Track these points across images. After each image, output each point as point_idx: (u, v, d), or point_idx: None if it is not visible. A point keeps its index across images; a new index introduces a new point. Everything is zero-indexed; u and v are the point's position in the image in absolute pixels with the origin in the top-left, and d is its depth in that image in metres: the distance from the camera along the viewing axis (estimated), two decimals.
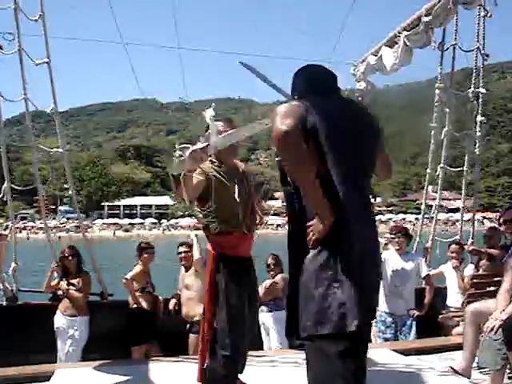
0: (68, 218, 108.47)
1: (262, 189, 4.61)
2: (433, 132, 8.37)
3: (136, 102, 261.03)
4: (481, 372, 5.93)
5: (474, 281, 7.25)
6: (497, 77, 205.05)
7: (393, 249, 7.97)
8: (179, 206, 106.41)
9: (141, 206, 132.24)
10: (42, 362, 6.56)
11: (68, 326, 7.52)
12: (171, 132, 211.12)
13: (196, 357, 6.61)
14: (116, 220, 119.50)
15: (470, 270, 8.29)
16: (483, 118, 8.44)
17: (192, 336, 7.39)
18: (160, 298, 8.08)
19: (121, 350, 7.41)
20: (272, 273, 7.91)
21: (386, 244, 8.01)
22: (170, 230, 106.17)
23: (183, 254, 7.84)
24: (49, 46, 7.45)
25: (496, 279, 6.59)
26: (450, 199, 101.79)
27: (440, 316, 7.56)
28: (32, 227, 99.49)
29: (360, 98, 7.79)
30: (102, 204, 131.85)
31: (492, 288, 6.62)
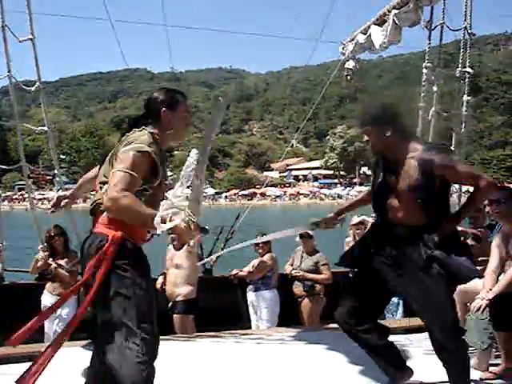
0: (66, 189, 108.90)
1: None
2: (420, 112, 8.35)
3: (127, 71, 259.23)
4: (468, 351, 5.96)
5: None
6: (490, 49, 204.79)
7: None
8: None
9: None
10: (29, 342, 6.55)
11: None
12: None
13: (182, 336, 6.71)
14: None
15: None
16: (470, 97, 8.40)
17: (175, 316, 7.41)
18: None
19: None
20: (260, 251, 7.91)
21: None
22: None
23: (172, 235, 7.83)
24: (33, 23, 7.35)
25: (482, 259, 6.61)
26: None
27: None
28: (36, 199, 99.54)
29: (349, 77, 7.75)
30: None
31: (478, 268, 6.64)
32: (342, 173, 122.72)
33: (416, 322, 7.24)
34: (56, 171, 8.39)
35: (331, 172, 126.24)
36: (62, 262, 7.66)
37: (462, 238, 8.40)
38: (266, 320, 7.68)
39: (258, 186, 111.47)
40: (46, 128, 7.81)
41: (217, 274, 8.55)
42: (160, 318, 7.31)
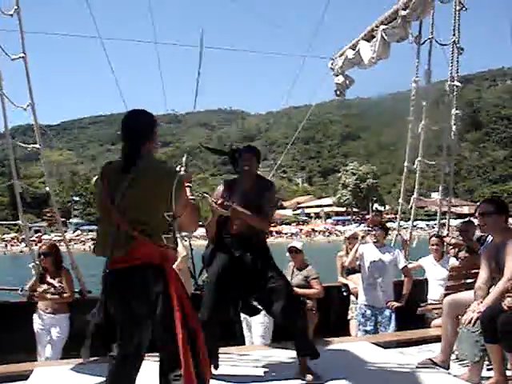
0: (82, 231, 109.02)
1: None
2: (410, 125, 8.41)
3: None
4: (460, 364, 5.96)
5: (453, 273, 7.27)
6: (488, 84, 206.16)
7: (371, 242, 8.01)
8: None
9: None
10: (21, 361, 6.51)
11: (49, 324, 7.49)
12: (165, 144, 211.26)
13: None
14: None
15: (452, 262, 8.32)
16: (458, 111, 8.47)
17: None
18: None
19: (101, 347, 7.35)
20: None
21: (363, 237, 8.04)
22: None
23: None
24: (24, 41, 7.42)
25: (474, 271, 6.61)
26: (456, 205, 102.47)
27: (419, 308, 7.57)
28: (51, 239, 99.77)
29: (338, 92, 7.81)
30: None
31: (470, 280, 6.64)
32: (354, 209, 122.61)
33: (407, 335, 7.28)
34: (48, 188, 8.30)
35: (343, 209, 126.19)
36: (53, 281, 7.63)
37: (456, 250, 8.50)
38: (260, 336, 7.61)
39: (272, 224, 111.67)
40: (37, 146, 7.81)
41: None
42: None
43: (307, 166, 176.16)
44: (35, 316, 7.57)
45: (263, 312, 7.61)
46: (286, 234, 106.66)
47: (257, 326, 7.63)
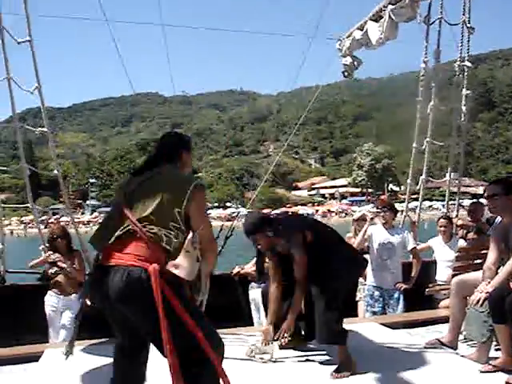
0: (99, 212, 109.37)
1: None
2: (419, 106, 8.35)
3: (138, 96, 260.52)
4: (467, 344, 5.96)
5: (461, 254, 7.26)
6: (501, 64, 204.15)
7: (379, 223, 8.01)
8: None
9: None
10: (33, 343, 6.57)
11: (62, 306, 7.56)
12: (176, 125, 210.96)
13: None
14: None
15: (460, 243, 8.30)
16: (469, 91, 8.40)
17: None
18: None
19: (111, 329, 7.40)
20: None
21: (372, 218, 8.03)
22: None
23: None
24: (30, 25, 7.42)
25: (482, 252, 6.61)
26: (471, 186, 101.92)
27: (427, 289, 7.56)
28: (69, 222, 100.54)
29: (346, 74, 7.78)
30: None
31: (479, 261, 6.64)
32: (369, 190, 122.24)
33: (416, 316, 7.29)
34: (56, 171, 8.30)
35: (358, 189, 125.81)
36: (64, 264, 7.69)
37: (464, 232, 8.47)
38: None
39: (288, 205, 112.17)
40: (45, 129, 7.84)
41: (218, 271, 8.54)
42: None
43: (319, 147, 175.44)
44: (47, 298, 7.62)
45: None
46: (301, 215, 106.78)
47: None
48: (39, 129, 7.87)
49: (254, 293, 7.79)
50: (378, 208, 8.08)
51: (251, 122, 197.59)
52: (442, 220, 8.45)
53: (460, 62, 8.21)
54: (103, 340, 6.46)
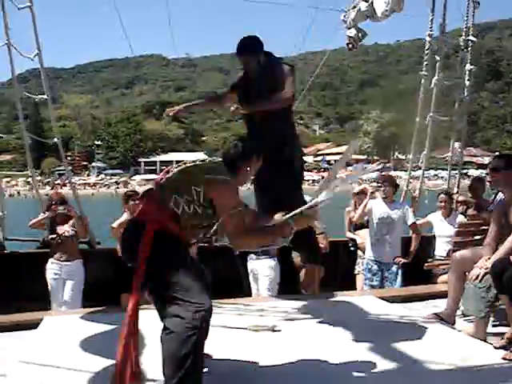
0: (105, 175, 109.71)
1: None
2: (423, 80, 8.29)
3: (142, 58, 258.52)
4: (465, 320, 5.97)
5: (461, 229, 7.25)
6: (509, 33, 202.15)
7: (379, 197, 8.00)
8: None
9: (176, 161, 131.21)
10: (33, 311, 6.60)
11: (65, 273, 7.58)
12: (180, 88, 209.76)
13: None
14: (154, 176, 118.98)
15: (460, 219, 8.30)
16: (473, 66, 8.32)
17: None
18: None
19: (110, 297, 7.45)
20: None
21: (372, 193, 8.03)
22: None
23: None
24: None
25: (482, 228, 6.61)
26: (477, 156, 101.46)
27: (426, 264, 7.58)
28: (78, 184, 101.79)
29: (351, 46, 7.68)
30: (139, 160, 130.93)
31: (478, 237, 6.64)
32: (375, 157, 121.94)
33: (413, 290, 7.32)
34: (56, 139, 8.26)
35: (363, 157, 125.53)
36: (64, 227, 7.70)
37: (465, 208, 8.48)
38: (266, 288, 7.69)
39: None
40: (45, 96, 7.80)
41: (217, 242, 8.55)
42: None
43: (324, 113, 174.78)
44: (48, 266, 7.63)
45: (269, 265, 7.74)
46: (307, 180, 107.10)
47: (263, 278, 7.71)
48: (39, 96, 7.82)
49: (253, 264, 7.82)
50: (378, 182, 8.07)
51: None
52: (441, 196, 8.45)
53: (465, 35, 8.12)
54: (102, 308, 6.52)
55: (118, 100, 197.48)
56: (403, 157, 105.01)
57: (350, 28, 7.71)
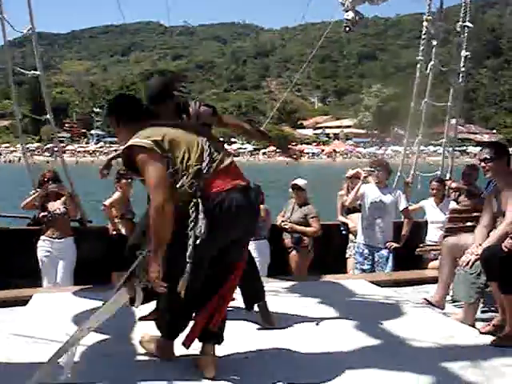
0: (104, 142, 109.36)
1: None
2: (418, 65, 8.25)
3: (139, 24, 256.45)
4: (455, 305, 6.02)
5: (453, 215, 7.27)
6: (510, 10, 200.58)
7: (372, 182, 7.99)
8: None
9: None
10: (25, 287, 6.60)
11: (56, 250, 7.54)
12: (177, 57, 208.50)
13: None
14: None
15: (452, 206, 8.32)
16: (468, 53, 8.30)
17: None
18: None
19: (101, 275, 7.45)
20: None
21: (365, 177, 8.01)
22: None
23: None
24: None
25: (474, 214, 6.63)
26: (476, 133, 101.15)
27: (417, 249, 7.61)
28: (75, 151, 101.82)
29: (348, 28, 7.62)
30: None
31: (470, 223, 6.67)
32: (375, 132, 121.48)
33: (404, 275, 7.36)
34: (48, 116, 8.18)
35: (362, 131, 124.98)
36: (56, 204, 7.67)
37: (457, 194, 8.49)
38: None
39: (293, 144, 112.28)
40: (38, 72, 7.71)
41: None
42: None
43: (322, 86, 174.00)
44: (40, 244, 7.54)
45: (259, 247, 7.75)
46: (307, 153, 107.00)
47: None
48: (32, 72, 7.74)
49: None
50: (371, 167, 8.05)
51: (254, 56, 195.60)
52: (434, 183, 8.46)
53: (461, 21, 8.07)
54: (92, 286, 6.54)
55: (114, 67, 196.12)
56: (402, 132, 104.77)
57: (347, 11, 7.64)
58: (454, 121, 9.72)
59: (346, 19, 7.64)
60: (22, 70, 7.77)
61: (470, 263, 5.13)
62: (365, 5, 7.51)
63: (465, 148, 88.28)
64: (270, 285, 6.46)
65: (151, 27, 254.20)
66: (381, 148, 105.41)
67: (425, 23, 7.78)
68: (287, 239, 8.10)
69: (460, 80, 8.44)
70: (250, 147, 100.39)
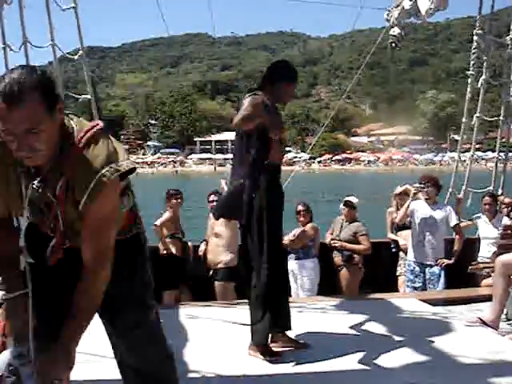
0: (161, 153, 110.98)
1: None
2: (469, 80, 8.14)
3: (187, 36, 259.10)
4: (509, 324, 5.90)
5: (506, 232, 7.14)
6: None
7: (422, 198, 7.90)
8: None
9: (231, 141, 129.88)
10: None
11: None
12: (226, 67, 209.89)
13: (223, 302, 6.80)
14: (209, 155, 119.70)
15: (505, 221, 8.17)
16: None
17: (217, 283, 7.54)
18: (189, 243, 8.18)
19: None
20: (302, 219, 7.94)
21: (415, 193, 7.93)
22: None
23: (214, 203, 7.83)
24: None
25: None
26: None
27: (470, 267, 7.49)
28: (135, 163, 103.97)
29: (394, 44, 7.59)
30: (194, 139, 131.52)
31: None
32: (430, 138, 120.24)
33: (456, 293, 7.24)
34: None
35: (418, 137, 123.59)
36: None
37: (509, 209, 8.33)
38: (306, 289, 7.73)
39: (348, 151, 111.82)
40: (88, 96, 7.83)
41: None
42: (202, 285, 7.53)
43: (372, 93, 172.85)
44: None
45: (309, 266, 7.78)
46: (363, 161, 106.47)
47: (303, 279, 7.75)
48: (82, 96, 7.88)
49: (292, 264, 7.81)
50: (420, 183, 7.96)
51: (302, 64, 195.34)
52: (486, 198, 8.35)
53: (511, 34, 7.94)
54: None
55: (164, 79, 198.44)
56: (459, 138, 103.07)
57: (393, 27, 7.62)
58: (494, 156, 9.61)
59: (392, 35, 7.62)
60: (73, 95, 7.92)
61: None
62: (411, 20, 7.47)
63: None
64: (321, 304, 6.49)
65: (199, 38, 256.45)
66: (438, 155, 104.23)
67: (475, 37, 7.68)
68: (337, 257, 8.08)
69: (511, 93, 8.30)
70: (305, 156, 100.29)
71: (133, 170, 2.57)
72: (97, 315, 2.67)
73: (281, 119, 4.99)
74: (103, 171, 2.41)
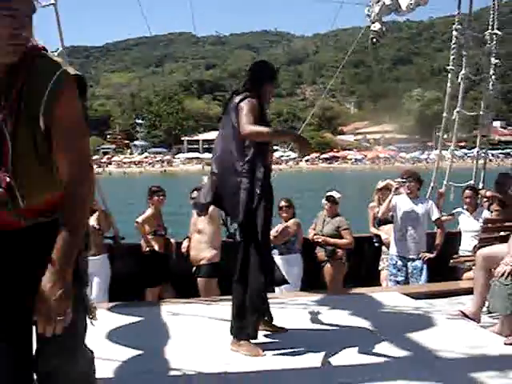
0: (149, 153, 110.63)
1: None
2: (449, 75, 8.19)
3: (171, 35, 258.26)
4: (490, 316, 5.94)
5: (486, 225, 7.18)
6: None
7: (404, 193, 7.94)
8: None
9: None
10: None
11: (92, 266, 7.54)
12: (210, 66, 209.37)
13: (206, 299, 6.78)
14: (197, 154, 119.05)
15: (485, 214, 8.22)
16: (498, 60, 8.22)
17: (200, 279, 7.52)
18: (172, 240, 8.16)
19: (134, 292, 7.50)
20: (284, 215, 7.95)
21: (397, 188, 7.96)
22: None
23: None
24: None
25: (508, 224, 6.54)
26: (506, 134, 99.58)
27: (451, 260, 7.52)
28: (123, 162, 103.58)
29: (375, 40, 7.61)
30: (182, 139, 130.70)
31: (504, 233, 6.57)
32: (416, 136, 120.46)
33: (438, 287, 7.28)
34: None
35: (404, 136, 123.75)
36: (90, 220, 7.70)
37: (490, 203, 8.40)
38: (289, 284, 7.73)
39: (335, 150, 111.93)
40: None
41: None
42: (185, 282, 7.51)
43: (357, 91, 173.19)
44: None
45: (292, 261, 7.79)
46: (350, 159, 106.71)
47: (286, 274, 7.74)
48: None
49: (276, 260, 7.80)
50: (402, 178, 8.00)
51: (287, 63, 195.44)
52: (467, 191, 8.42)
53: (490, 29, 8.01)
54: (127, 302, 6.60)
55: (149, 78, 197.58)
56: (446, 136, 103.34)
57: (374, 22, 7.64)
58: (497, 123, 9.71)
59: (373, 31, 7.64)
60: None
61: (506, 274, 5.07)
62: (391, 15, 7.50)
63: (509, 151, 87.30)
64: (305, 299, 6.50)
65: (183, 38, 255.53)
66: (424, 152, 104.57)
67: (454, 33, 7.74)
68: (320, 252, 8.10)
69: (491, 88, 8.36)
70: (293, 154, 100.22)
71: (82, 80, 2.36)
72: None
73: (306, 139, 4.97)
74: (63, 68, 2.26)
